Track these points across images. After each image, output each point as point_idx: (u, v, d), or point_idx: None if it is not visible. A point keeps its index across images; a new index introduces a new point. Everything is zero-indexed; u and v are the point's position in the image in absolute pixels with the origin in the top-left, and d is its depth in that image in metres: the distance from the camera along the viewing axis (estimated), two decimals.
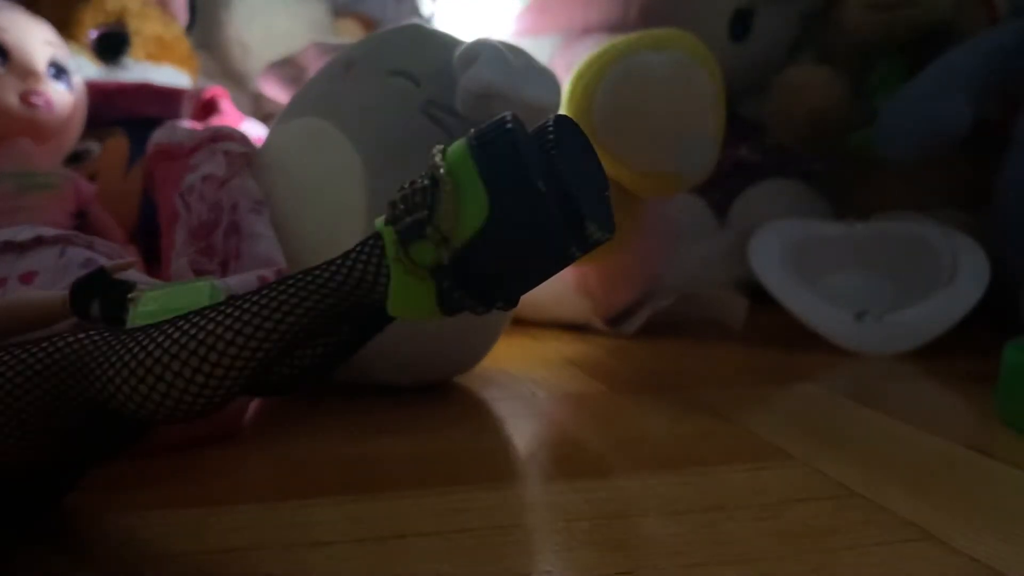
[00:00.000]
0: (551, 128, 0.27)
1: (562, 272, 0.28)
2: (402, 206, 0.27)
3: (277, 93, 0.71)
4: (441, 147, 0.27)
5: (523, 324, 0.72)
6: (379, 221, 0.27)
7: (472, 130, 0.27)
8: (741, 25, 0.89)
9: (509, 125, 0.26)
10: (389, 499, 0.36)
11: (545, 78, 0.47)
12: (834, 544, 0.32)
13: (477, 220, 0.26)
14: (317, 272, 0.28)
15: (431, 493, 0.37)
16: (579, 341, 0.70)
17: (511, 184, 0.26)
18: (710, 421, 0.48)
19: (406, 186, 0.27)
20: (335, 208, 0.48)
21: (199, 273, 0.46)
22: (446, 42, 0.51)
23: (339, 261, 0.28)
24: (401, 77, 0.50)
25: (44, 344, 0.28)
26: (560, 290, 0.69)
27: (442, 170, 0.26)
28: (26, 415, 0.28)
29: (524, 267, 0.27)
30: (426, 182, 0.26)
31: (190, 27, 0.86)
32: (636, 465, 0.41)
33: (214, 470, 0.40)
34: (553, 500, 0.37)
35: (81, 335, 0.29)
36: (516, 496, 0.37)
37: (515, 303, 0.28)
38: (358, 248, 0.28)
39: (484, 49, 0.46)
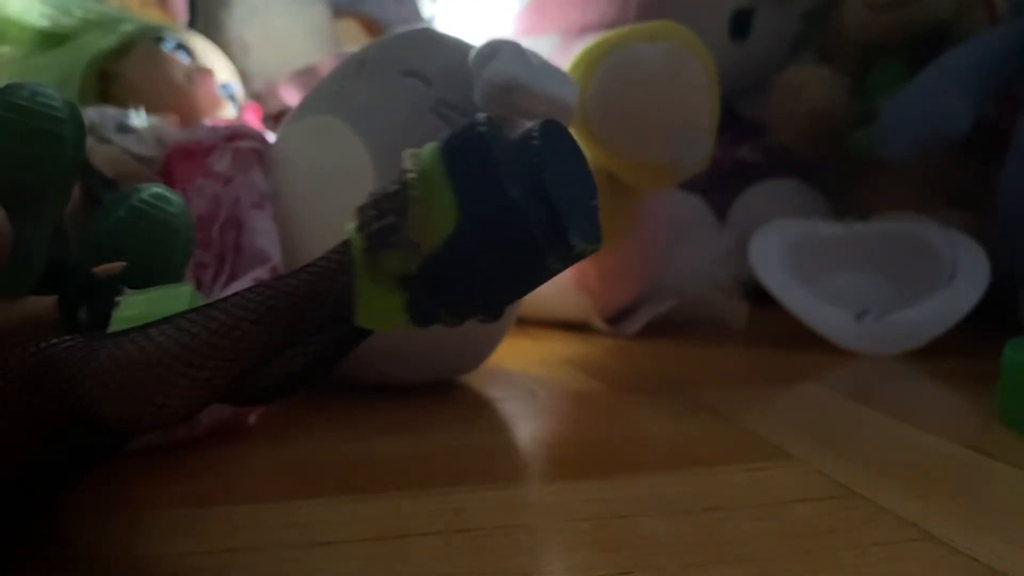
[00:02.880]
0: (536, 134, 0.25)
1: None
2: (371, 211, 0.25)
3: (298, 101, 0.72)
4: (414, 150, 0.26)
5: (523, 324, 0.72)
6: (349, 227, 0.26)
7: (445, 132, 0.25)
8: (741, 25, 0.89)
9: (482, 128, 0.24)
10: (389, 499, 0.36)
11: (563, 76, 0.48)
12: (834, 544, 0.32)
13: (446, 228, 0.24)
14: (287, 279, 0.27)
15: (431, 493, 0.37)
16: (579, 341, 0.70)
17: (481, 190, 0.24)
18: (710, 421, 0.48)
19: (376, 191, 0.26)
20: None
21: (197, 266, 0.46)
22: (457, 45, 0.51)
23: (309, 268, 0.27)
24: (412, 77, 0.50)
25: (18, 351, 0.28)
26: (560, 288, 0.69)
27: (412, 174, 0.25)
28: (5, 421, 0.28)
29: (498, 278, 0.25)
30: (396, 187, 0.25)
31: (190, 26, 0.86)
32: (636, 465, 0.41)
33: (214, 469, 0.40)
34: (553, 500, 0.37)
35: (55, 341, 0.28)
36: (517, 496, 0.37)
37: (497, 315, 0.26)
38: (328, 255, 0.27)
39: (503, 45, 0.47)
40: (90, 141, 0.50)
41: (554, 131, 0.26)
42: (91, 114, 0.53)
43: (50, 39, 0.69)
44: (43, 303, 0.33)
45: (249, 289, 0.27)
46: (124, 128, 0.53)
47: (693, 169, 0.64)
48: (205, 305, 0.27)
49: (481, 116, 0.25)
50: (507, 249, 0.25)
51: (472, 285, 0.25)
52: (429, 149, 0.25)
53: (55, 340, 0.28)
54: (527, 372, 0.59)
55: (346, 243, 0.26)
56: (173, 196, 0.36)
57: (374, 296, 0.26)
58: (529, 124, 0.26)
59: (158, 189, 0.36)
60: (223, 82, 0.74)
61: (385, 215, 0.25)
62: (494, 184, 0.24)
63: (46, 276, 0.33)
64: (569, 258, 0.25)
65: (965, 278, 0.65)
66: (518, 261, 0.25)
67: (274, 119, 0.77)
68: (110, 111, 0.55)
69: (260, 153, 0.52)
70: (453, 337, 0.53)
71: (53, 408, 0.28)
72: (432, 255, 0.25)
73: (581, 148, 0.27)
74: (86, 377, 0.27)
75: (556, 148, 0.26)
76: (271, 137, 0.55)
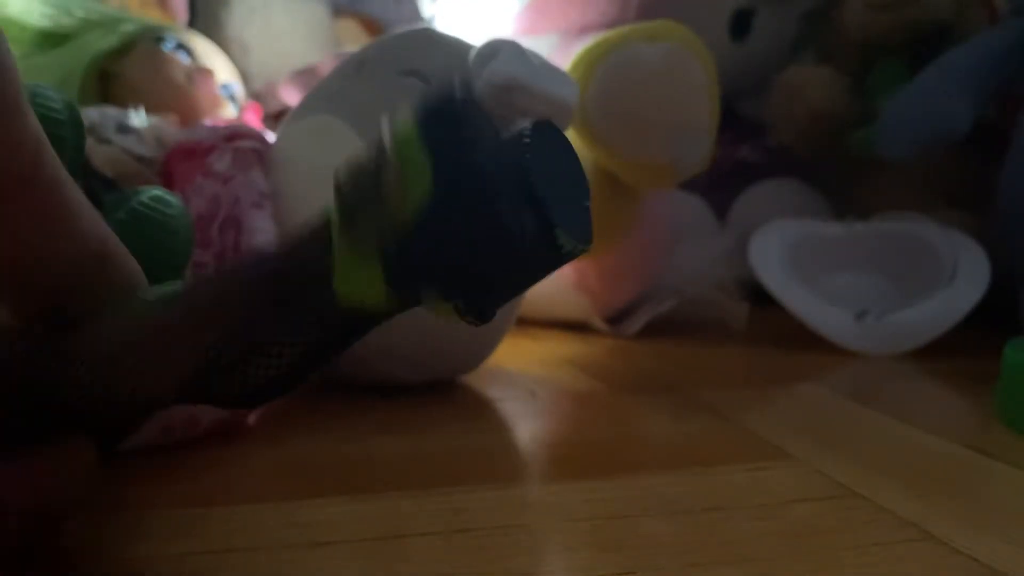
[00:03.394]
0: (528, 132, 0.24)
1: (561, 269, 0.26)
2: (346, 179, 0.24)
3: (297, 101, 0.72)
4: (389, 116, 0.24)
5: (523, 324, 0.72)
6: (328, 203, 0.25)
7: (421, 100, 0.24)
8: (741, 25, 0.89)
9: (456, 92, 0.23)
10: (389, 499, 0.36)
11: (564, 76, 0.48)
12: (834, 544, 0.32)
13: (421, 195, 0.23)
14: (264, 255, 0.27)
15: (431, 493, 0.37)
16: (579, 341, 0.70)
17: (455, 159, 0.23)
18: (710, 421, 0.48)
19: (352, 158, 0.24)
20: None
21: (196, 266, 0.46)
22: (457, 45, 0.51)
23: (287, 240, 0.26)
24: (412, 77, 0.50)
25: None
26: (560, 288, 0.69)
27: (386, 140, 0.23)
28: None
29: (478, 257, 0.24)
30: (371, 153, 0.24)
31: (190, 26, 0.86)
32: (636, 465, 0.41)
33: (214, 469, 0.40)
34: (553, 500, 0.37)
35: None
36: (517, 496, 0.37)
37: (484, 313, 0.25)
38: (306, 224, 0.26)
39: (504, 45, 0.47)
40: (90, 141, 0.50)
41: (547, 131, 0.25)
42: (91, 114, 0.53)
43: (50, 39, 0.69)
44: None
45: (225, 267, 0.26)
46: (124, 128, 0.53)
47: (693, 169, 0.64)
48: (184, 291, 0.27)
49: (455, 80, 0.24)
50: (482, 224, 0.23)
51: (453, 258, 0.24)
52: (403, 113, 0.24)
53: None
54: (527, 372, 0.59)
55: (325, 213, 0.25)
56: (172, 198, 0.36)
57: (353, 267, 0.25)
58: (522, 123, 0.25)
59: (157, 192, 0.36)
60: (223, 82, 0.75)
61: (359, 183, 0.24)
62: (468, 153, 0.23)
63: None
64: (559, 257, 0.24)
65: (965, 278, 0.65)
66: (496, 238, 0.23)
67: (274, 119, 0.77)
68: (110, 111, 0.55)
69: (260, 153, 0.52)
70: (453, 337, 0.53)
71: (34, 402, 0.28)
72: (409, 223, 0.23)
73: (575, 150, 0.27)
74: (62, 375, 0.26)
75: (548, 147, 0.25)
76: (271, 137, 0.55)
